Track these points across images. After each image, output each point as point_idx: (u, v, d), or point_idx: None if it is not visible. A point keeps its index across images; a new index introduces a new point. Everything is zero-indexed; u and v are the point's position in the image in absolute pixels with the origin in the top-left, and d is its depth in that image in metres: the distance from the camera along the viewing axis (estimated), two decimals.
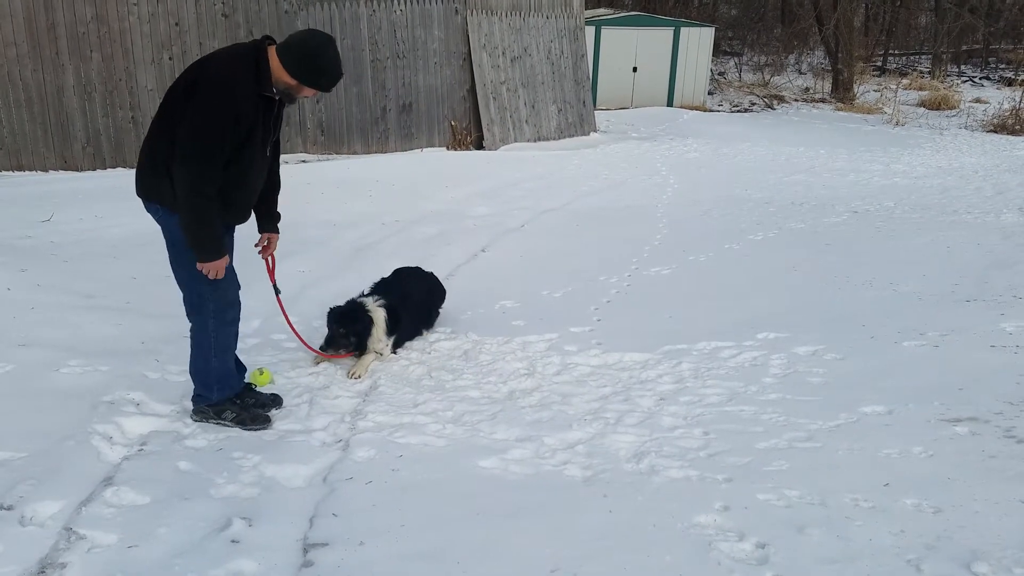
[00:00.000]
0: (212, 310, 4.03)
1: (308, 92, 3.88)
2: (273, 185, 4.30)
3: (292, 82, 3.79)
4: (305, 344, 5.05)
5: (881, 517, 3.32)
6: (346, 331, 5.08)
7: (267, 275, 4.53)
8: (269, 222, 4.35)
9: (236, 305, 4.16)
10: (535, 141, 15.24)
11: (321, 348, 5.08)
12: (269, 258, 4.46)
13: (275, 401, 4.47)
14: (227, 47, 4.00)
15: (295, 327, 5.06)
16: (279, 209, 4.39)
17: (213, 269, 3.87)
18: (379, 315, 5.18)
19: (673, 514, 3.38)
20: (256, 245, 4.38)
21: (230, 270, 4.05)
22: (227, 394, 4.21)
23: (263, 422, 4.20)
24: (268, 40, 3.87)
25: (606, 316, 6.15)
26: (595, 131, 16.61)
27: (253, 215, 4.25)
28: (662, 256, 7.88)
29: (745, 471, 3.75)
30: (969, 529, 3.22)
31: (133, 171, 4.04)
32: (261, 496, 3.53)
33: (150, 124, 3.97)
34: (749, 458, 3.88)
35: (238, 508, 3.42)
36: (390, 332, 5.25)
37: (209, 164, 3.68)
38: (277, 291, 4.57)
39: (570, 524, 3.34)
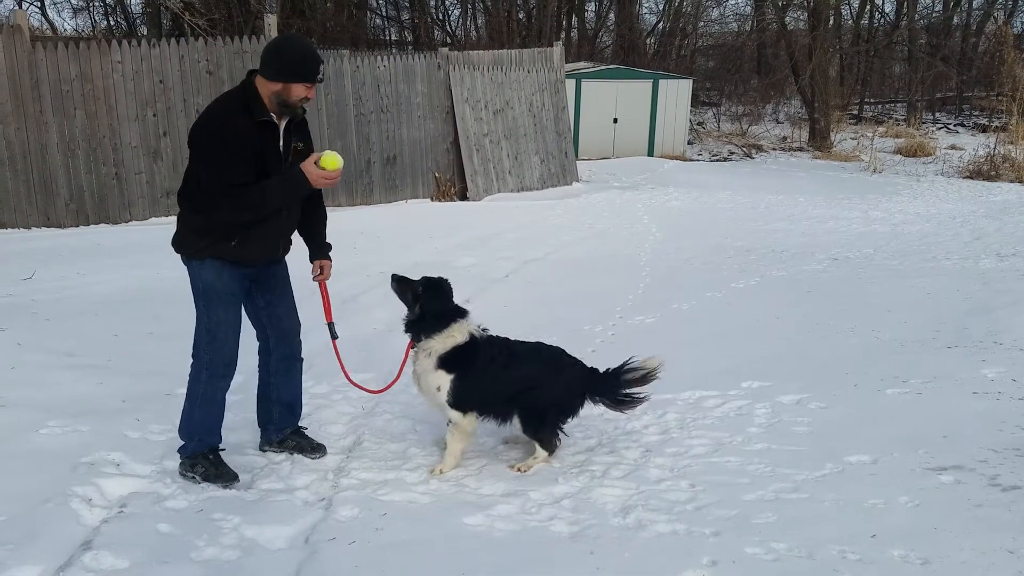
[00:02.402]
0: (206, 361, 4.12)
1: (299, 91, 3.88)
2: (318, 217, 4.44)
3: (278, 87, 3.86)
4: (364, 389, 4.81)
5: (869, 569, 3.30)
6: (417, 296, 4.34)
7: (323, 314, 4.49)
8: (319, 249, 4.46)
9: (230, 364, 4.18)
10: (518, 191, 15.38)
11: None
12: (322, 289, 4.49)
13: (318, 449, 4.53)
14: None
15: (348, 373, 4.71)
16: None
17: (322, 181, 3.86)
18: (460, 333, 4.33)
19: (661, 570, 3.35)
20: (312, 274, 4.46)
21: (233, 325, 4.14)
22: (204, 447, 4.18)
23: (229, 479, 4.13)
24: (252, 72, 3.98)
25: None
26: (577, 181, 16.79)
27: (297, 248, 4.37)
28: (646, 305, 7.91)
29: (732, 524, 3.73)
30: None
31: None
32: (242, 559, 3.48)
33: None
34: (736, 510, 3.85)
35: (219, 571, 3.36)
36: (449, 366, 4.31)
37: (235, 198, 3.83)
38: (334, 335, 4.49)
39: None
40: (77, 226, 11.03)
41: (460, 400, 4.34)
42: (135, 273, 8.23)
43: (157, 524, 3.72)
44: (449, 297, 4.46)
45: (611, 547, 3.55)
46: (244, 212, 3.89)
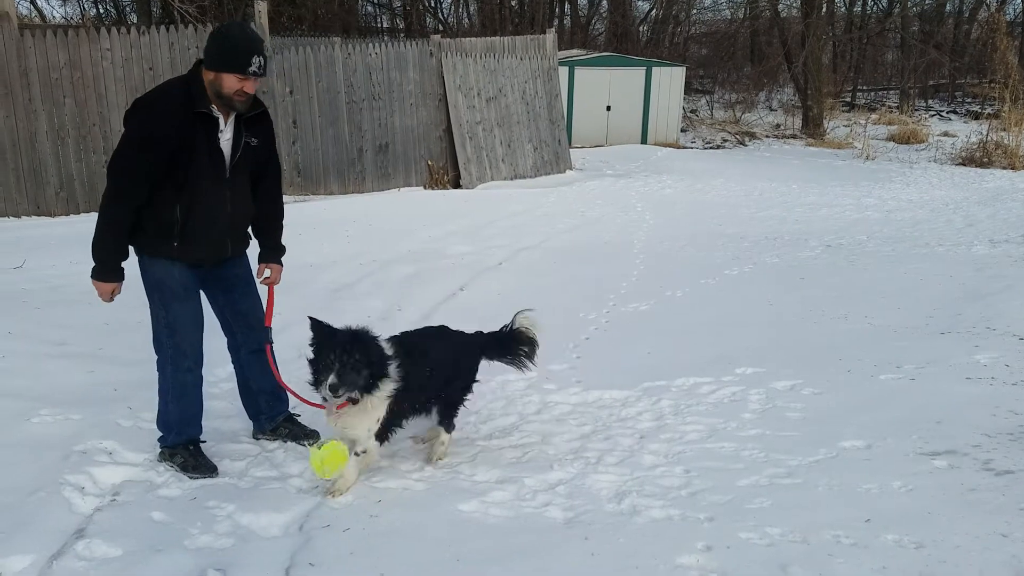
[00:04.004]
0: (169, 356, 4.06)
1: (231, 82, 3.71)
2: (273, 214, 4.29)
3: (211, 76, 3.73)
4: (303, 400, 4.17)
5: (863, 554, 3.31)
6: (360, 360, 3.76)
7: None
8: (269, 252, 4.33)
9: (195, 356, 4.10)
10: (512, 179, 15.33)
11: (314, 382, 3.85)
12: (269, 293, 4.37)
13: (311, 436, 4.48)
14: None
15: (284, 382, 4.39)
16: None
17: (97, 290, 3.97)
18: (392, 367, 3.94)
19: (656, 555, 3.35)
20: (258, 276, 4.35)
21: (192, 318, 4.05)
22: (184, 439, 4.15)
23: (206, 471, 4.10)
24: (199, 61, 3.85)
25: (585, 353, 6.15)
26: (571, 169, 16.74)
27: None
28: (640, 292, 7.90)
29: (727, 509, 3.73)
30: (951, 564, 3.21)
31: None
32: (236, 546, 3.47)
33: None
34: (730, 496, 3.86)
35: (212, 559, 3.35)
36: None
37: (125, 182, 3.75)
38: (268, 339, 4.27)
39: (551, 568, 3.30)
40: (67, 215, 10.98)
41: (386, 426, 4.03)
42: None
43: (150, 512, 3.71)
44: (368, 341, 3.87)
45: (606, 533, 3.56)
46: (107, 196, 3.83)
